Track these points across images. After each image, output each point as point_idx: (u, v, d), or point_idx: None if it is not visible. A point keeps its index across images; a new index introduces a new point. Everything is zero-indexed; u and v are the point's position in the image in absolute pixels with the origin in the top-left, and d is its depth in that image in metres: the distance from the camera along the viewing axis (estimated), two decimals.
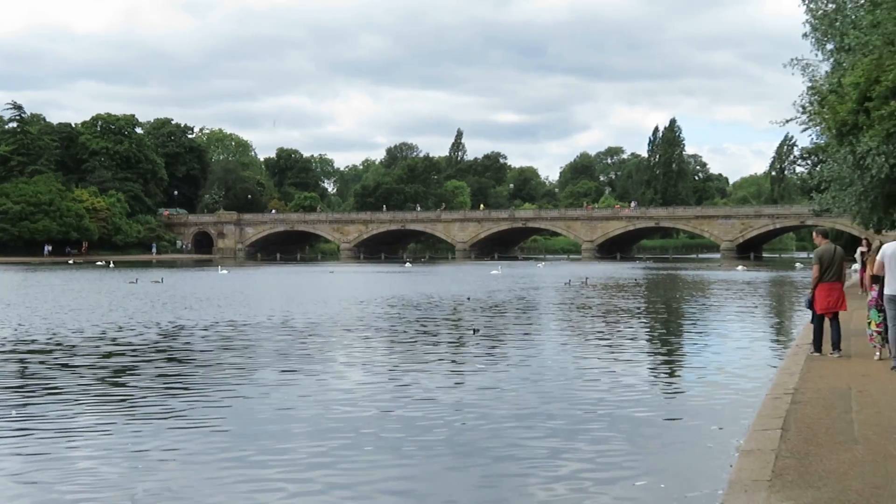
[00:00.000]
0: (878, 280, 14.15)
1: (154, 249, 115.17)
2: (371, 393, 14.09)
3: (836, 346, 15.25)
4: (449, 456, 9.95)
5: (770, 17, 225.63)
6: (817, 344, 15.51)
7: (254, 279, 57.50)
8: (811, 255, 15.64)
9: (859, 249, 36.07)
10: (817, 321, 15.59)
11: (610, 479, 8.93)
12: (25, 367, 17.08)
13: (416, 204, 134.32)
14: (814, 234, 16.56)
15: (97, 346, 20.08)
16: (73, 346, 20.05)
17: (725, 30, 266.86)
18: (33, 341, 21.10)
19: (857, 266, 36.60)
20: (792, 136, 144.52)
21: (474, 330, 23.13)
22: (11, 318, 27.34)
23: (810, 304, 15.77)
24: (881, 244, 15.18)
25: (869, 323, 15.13)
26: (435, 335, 22.66)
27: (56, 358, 18.22)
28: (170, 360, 18.22)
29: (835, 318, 15.29)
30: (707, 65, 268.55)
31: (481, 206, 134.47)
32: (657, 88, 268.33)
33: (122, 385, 15.02)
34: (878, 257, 13.72)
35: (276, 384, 14.92)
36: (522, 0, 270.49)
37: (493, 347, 20.08)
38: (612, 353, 19.05)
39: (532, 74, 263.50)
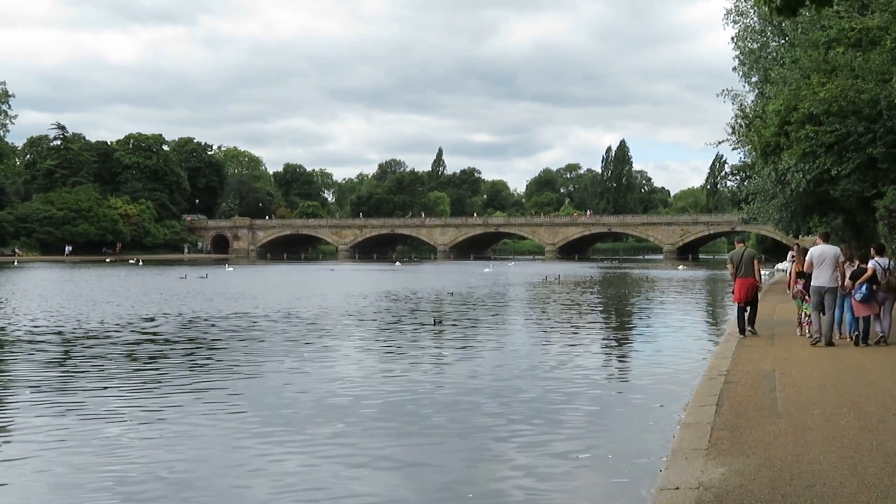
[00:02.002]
0: (804, 276, 15.42)
1: (186, 250, 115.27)
2: (367, 375, 14.04)
3: (751, 326, 16.31)
4: (420, 431, 9.83)
5: (705, 53, 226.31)
6: (740, 330, 16.31)
7: (264, 276, 57.17)
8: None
9: (790, 253, 36.26)
10: (738, 309, 16.47)
11: (564, 451, 8.82)
12: (122, 344, 16.94)
13: (404, 211, 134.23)
14: (735, 240, 17.71)
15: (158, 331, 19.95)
16: (141, 327, 19.93)
17: (667, 64, 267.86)
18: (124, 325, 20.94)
19: (785, 265, 36.72)
20: (723, 155, 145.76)
21: (435, 321, 22.56)
22: (96, 306, 28.25)
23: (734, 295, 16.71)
24: (803, 248, 16.16)
25: (800, 309, 16.16)
26: (423, 325, 22.51)
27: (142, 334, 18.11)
28: (198, 345, 18.11)
29: (748, 307, 16.27)
30: (652, 94, 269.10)
31: (475, 214, 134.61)
32: (609, 114, 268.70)
33: (154, 368, 14.93)
34: (807, 258, 14.81)
35: (286, 370, 14.80)
36: (494, 37, 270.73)
37: (471, 336, 20.02)
38: (571, 340, 19.04)
39: (502, 101, 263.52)
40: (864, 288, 14.06)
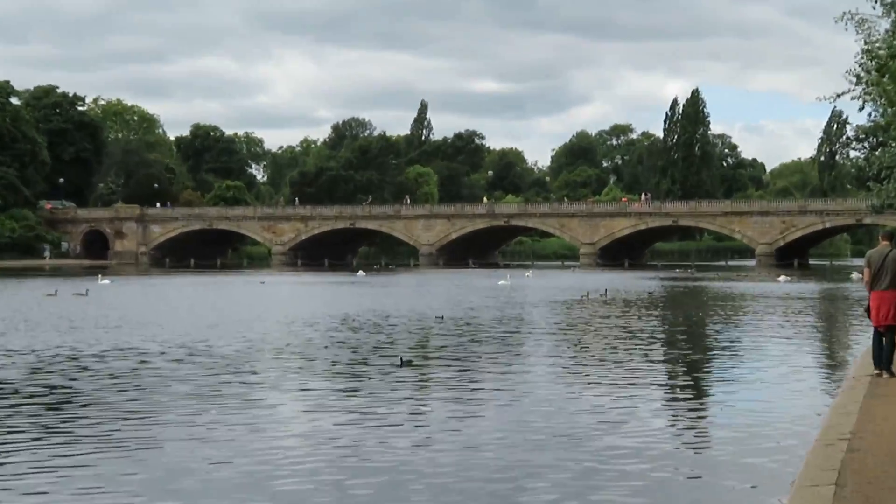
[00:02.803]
0: None
1: (47, 253, 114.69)
2: (315, 441, 14.03)
3: (887, 366, 16.23)
4: None
5: None
6: (875, 361, 16.48)
7: (162, 292, 56.99)
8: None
9: None
10: (874, 335, 16.61)
11: None
12: None
13: (370, 196, 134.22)
14: (880, 235, 17.53)
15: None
16: None
17: None
18: None
19: None
20: (844, 113, 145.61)
21: (402, 361, 22.49)
22: None
23: (868, 313, 16.76)
24: None
25: None
26: (400, 368, 22.43)
27: None
28: (62, 398, 18.06)
29: (889, 333, 16.18)
30: (740, 21, 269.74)
31: (484, 199, 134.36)
32: (676, 51, 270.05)
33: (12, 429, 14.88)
34: None
35: (193, 435, 14.74)
36: None
37: (473, 383, 20.00)
38: (623, 389, 19.02)
39: (518, 32, 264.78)
40: None
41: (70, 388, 19.19)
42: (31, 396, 18.11)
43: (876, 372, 16.23)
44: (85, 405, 17.23)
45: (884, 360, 16.29)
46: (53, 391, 18.79)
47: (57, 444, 13.86)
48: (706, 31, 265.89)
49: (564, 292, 53.25)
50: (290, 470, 12.17)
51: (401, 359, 22.64)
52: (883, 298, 16.10)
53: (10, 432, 14.70)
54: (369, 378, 20.52)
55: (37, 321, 34.15)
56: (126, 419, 15.75)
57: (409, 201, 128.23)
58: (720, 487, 11.31)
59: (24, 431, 14.74)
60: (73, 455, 13.12)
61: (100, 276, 70.79)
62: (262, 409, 16.99)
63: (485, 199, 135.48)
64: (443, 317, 35.79)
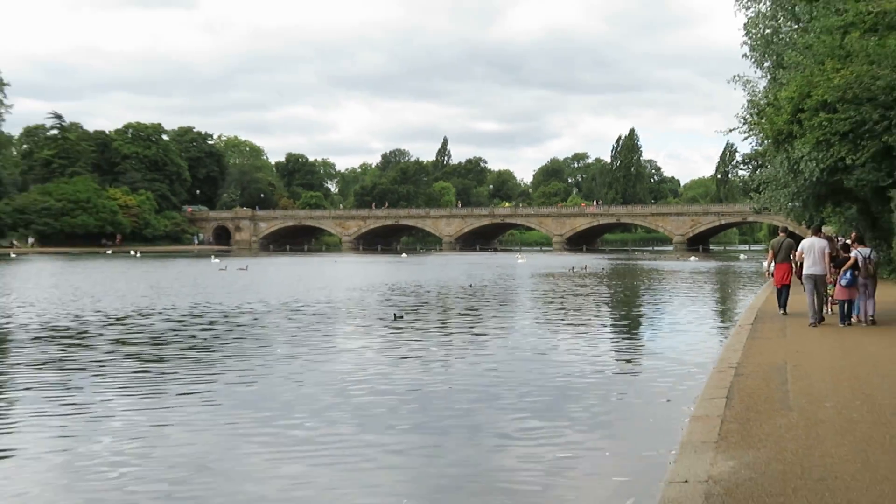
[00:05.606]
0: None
1: (196, 240, 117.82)
2: (373, 371, 14.07)
3: (783, 308, 18.71)
4: (425, 430, 9.62)
5: (722, 37, 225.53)
6: (783, 307, 18.75)
7: (264, 268, 57.10)
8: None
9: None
10: (777, 291, 19.22)
11: (574, 446, 8.83)
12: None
13: (408, 202, 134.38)
14: (779, 230, 20.41)
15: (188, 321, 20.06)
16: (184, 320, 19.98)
17: (682, 49, 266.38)
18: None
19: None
20: (734, 144, 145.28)
21: (395, 315, 21.82)
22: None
23: (773, 277, 19.39)
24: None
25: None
26: (431, 320, 22.48)
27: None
28: (189, 342, 18.16)
29: (784, 289, 18.81)
30: (665, 80, 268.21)
31: (497, 203, 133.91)
32: (621, 101, 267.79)
33: (159, 358, 14.99)
34: (798, 249, 17.48)
35: (293, 365, 14.77)
36: (503, 21, 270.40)
37: (483, 331, 20.03)
38: (579, 335, 18.93)
39: (510, 88, 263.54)
40: (848, 274, 16.09)
41: (203, 334, 19.34)
42: (192, 337, 18.27)
43: (782, 312, 18.32)
44: (209, 345, 17.35)
45: (781, 304, 18.63)
46: (193, 337, 18.88)
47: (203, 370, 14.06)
48: (642, 87, 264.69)
49: (552, 268, 53.29)
50: (356, 389, 12.24)
51: (394, 314, 22.21)
52: (781, 268, 18.62)
53: (165, 359, 14.85)
54: (412, 328, 20.34)
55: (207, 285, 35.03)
56: (237, 355, 15.90)
57: (459, 205, 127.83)
58: (645, 401, 11.27)
59: (174, 362, 14.91)
60: (197, 380, 13.26)
61: (212, 256, 71.05)
62: (334, 346, 16.99)
63: (496, 205, 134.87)
64: (472, 284, 35.59)
